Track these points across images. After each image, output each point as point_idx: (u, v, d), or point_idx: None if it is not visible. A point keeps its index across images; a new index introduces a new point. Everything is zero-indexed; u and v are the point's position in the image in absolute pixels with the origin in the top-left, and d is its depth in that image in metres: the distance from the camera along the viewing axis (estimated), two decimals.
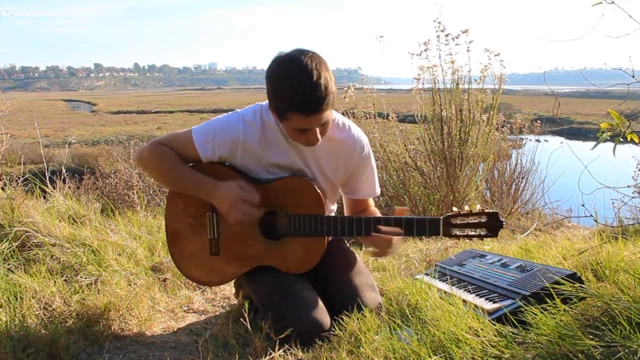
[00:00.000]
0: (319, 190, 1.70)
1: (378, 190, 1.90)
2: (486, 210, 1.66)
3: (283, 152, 1.71)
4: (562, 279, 1.53)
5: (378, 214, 1.89)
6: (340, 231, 1.69)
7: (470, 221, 1.66)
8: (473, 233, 1.66)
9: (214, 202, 1.68)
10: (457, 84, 4.17)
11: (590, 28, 1.85)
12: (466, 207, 1.68)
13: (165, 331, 1.94)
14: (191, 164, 1.74)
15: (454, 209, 1.67)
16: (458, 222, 1.66)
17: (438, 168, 4.25)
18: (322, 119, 1.55)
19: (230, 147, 1.68)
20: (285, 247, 1.73)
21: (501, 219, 1.65)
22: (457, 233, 1.66)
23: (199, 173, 1.69)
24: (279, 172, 1.73)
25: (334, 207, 1.94)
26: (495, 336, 1.33)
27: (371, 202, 1.94)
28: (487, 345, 1.30)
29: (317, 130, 1.57)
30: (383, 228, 1.66)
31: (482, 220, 1.65)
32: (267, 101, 1.68)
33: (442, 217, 1.65)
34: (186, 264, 1.84)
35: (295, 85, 1.49)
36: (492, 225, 1.65)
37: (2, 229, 2.30)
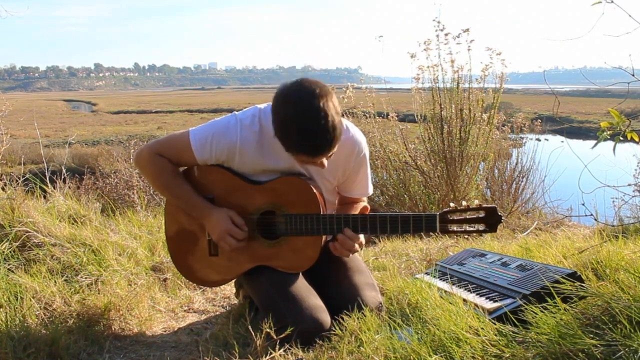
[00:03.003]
0: (315, 190, 1.69)
1: (370, 190, 1.89)
2: (484, 205, 1.61)
3: (281, 156, 1.69)
4: (563, 278, 1.53)
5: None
6: (337, 230, 1.68)
7: (468, 217, 1.61)
8: (471, 229, 1.62)
9: (205, 226, 1.73)
10: (458, 83, 4.17)
11: (590, 27, 1.85)
12: (464, 203, 1.63)
13: (165, 331, 1.94)
14: (189, 167, 1.76)
15: (451, 204, 1.63)
16: (455, 218, 1.61)
17: (438, 167, 4.24)
18: (330, 154, 1.56)
19: (227, 152, 1.68)
20: (283, 246, 1.73)
21: (499, 213, 1.61)
22: (455, 229, 1.62)
23: (195, 194, 1.72)
24: (276, 175, 1.72)
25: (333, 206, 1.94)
26: (496, 335, 1.33)
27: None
28: (487, 345, 1.30)
29: (324, 159, 1.58)
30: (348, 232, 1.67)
31: (480, 216, 1.61)
32: (265, 104, 1.68)
33: (438, 213, 1.61)
34: (185, 265, 1.85)
35: (304, 131, 1.47)
36: (491, 220, 1.61)
37: (2, 229, 2.29)
